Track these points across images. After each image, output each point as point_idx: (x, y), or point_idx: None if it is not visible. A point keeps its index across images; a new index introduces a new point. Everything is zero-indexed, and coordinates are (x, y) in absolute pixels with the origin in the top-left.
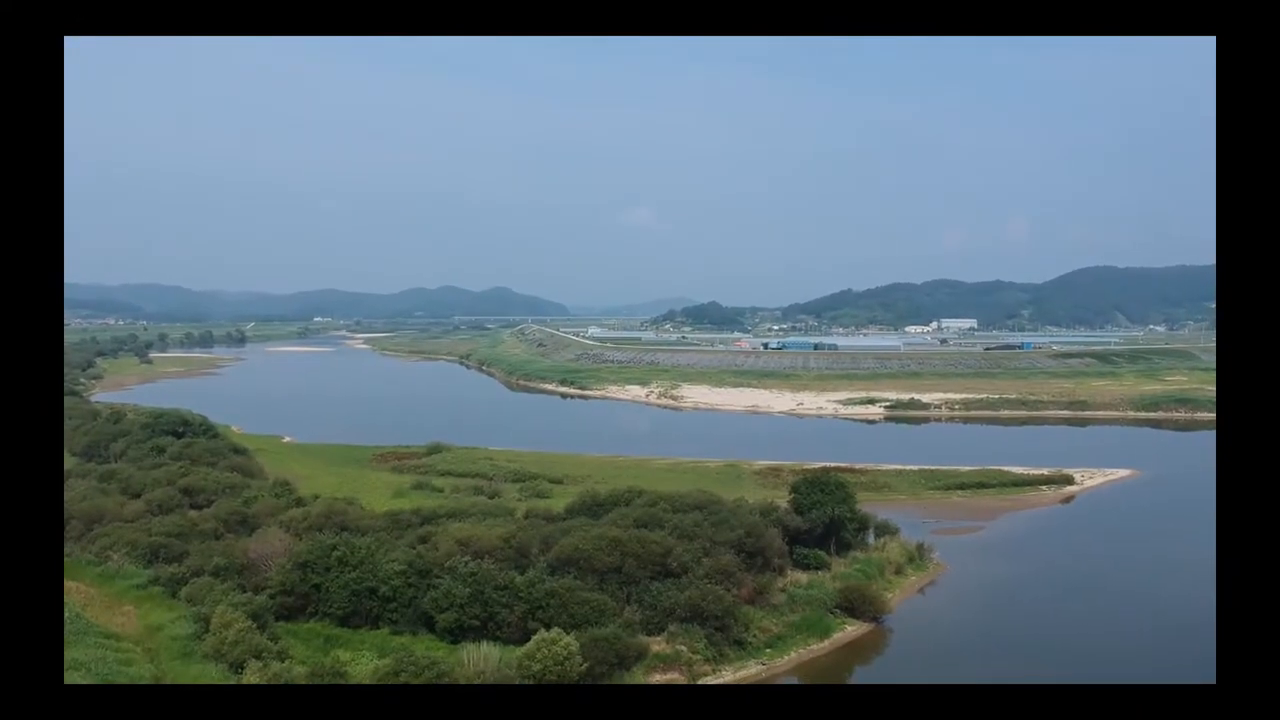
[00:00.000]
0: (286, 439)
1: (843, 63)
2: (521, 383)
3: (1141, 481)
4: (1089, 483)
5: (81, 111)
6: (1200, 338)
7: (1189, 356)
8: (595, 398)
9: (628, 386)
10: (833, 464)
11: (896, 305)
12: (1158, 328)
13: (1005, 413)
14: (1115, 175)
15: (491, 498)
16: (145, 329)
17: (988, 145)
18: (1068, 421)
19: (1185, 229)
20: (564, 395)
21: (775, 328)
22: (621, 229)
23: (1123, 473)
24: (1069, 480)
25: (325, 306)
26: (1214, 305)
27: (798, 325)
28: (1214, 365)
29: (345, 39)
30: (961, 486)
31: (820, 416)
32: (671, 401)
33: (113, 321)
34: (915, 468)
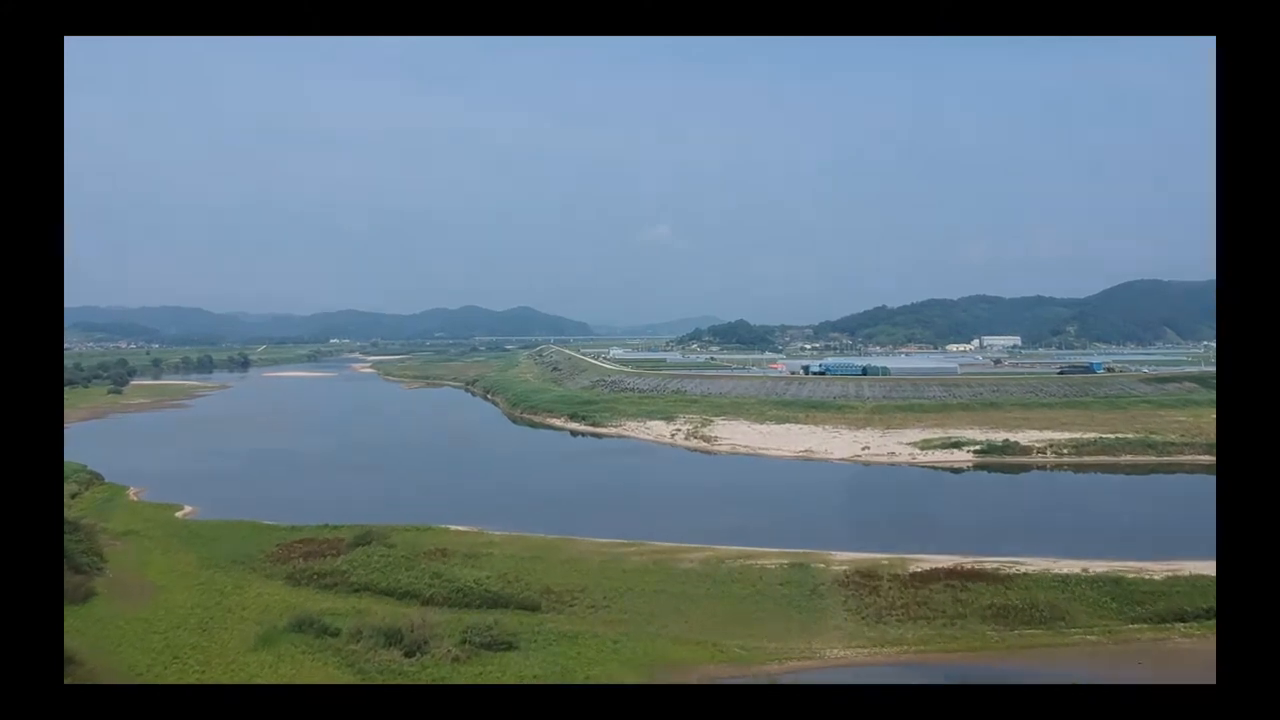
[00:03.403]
0: (183, 511)
1: (847, 68)
2: (526, 415)
3: None
4: None
5: (94, 124)
6: None
7: None
8: (610, 436)
9: (649, 422)
10: (952, 558)
11: (934, 322)
12: (1211, 343)
13: (1126, 458)
14: (1147, 185)
15: (411, 654)
16: (148, 353)
17: (1008, 153)
18: (1209, 469)
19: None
20: (573, 433)
21: (808, 347)
22: (641, 245)
23: None
24: None
25: (345, 327)
26: None
27: (831, 344)
28: None
29: (358, 52)
30: (1181, 618)
31: (894, 464)
32: (703, 443)
33: (125, 345)
34: (1078, 567)
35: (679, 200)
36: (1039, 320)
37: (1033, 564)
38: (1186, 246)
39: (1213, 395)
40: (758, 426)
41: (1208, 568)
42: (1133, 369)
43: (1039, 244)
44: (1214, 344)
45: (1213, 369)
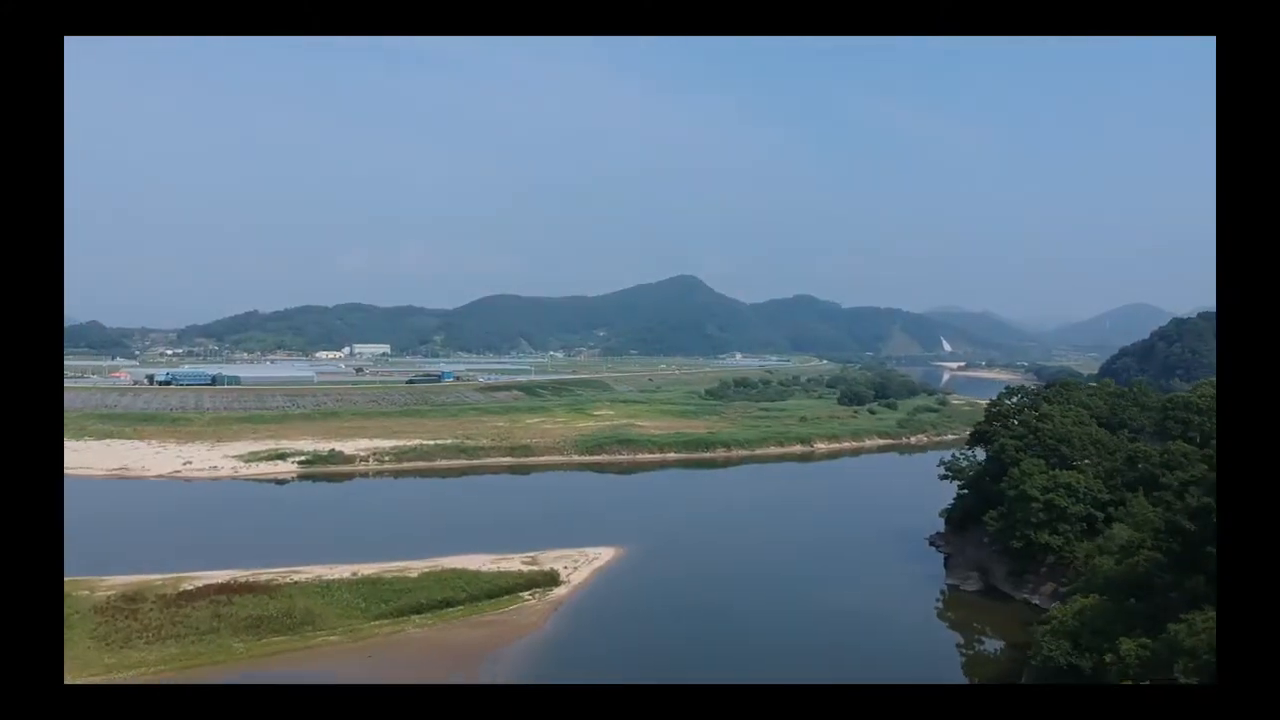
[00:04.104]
0: None
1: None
2: None
3: (630, 565)
4: (575, 577)
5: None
6: (596, 364)
7: (605, 387)
8: None
9: None
10: (231, 573)
11: (307, 329)
12: (557, 353)
13: (442, 462)
14: (515, 208)
15: None
16: None
17: (381, 164)
18: (511, 469)
19: (577, 266)
20: None
21: (170, 353)
22: None
23: (606, 554)
24: (553, 579)
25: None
26: (602, 333)
27: (195, 350)
28: (627, 397)
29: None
30: (418, 610)
31: (216, 479)
32: None
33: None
34: (347, 572)
35: None
36: (410, 329)
37: (308, 571)
38: (537, 265)
39: (534, 402)
40: (73, 443)
41: (463, 561)
42: (483, 378)
43: (409, 255)
44: (559, 353)
45: (544, 377)
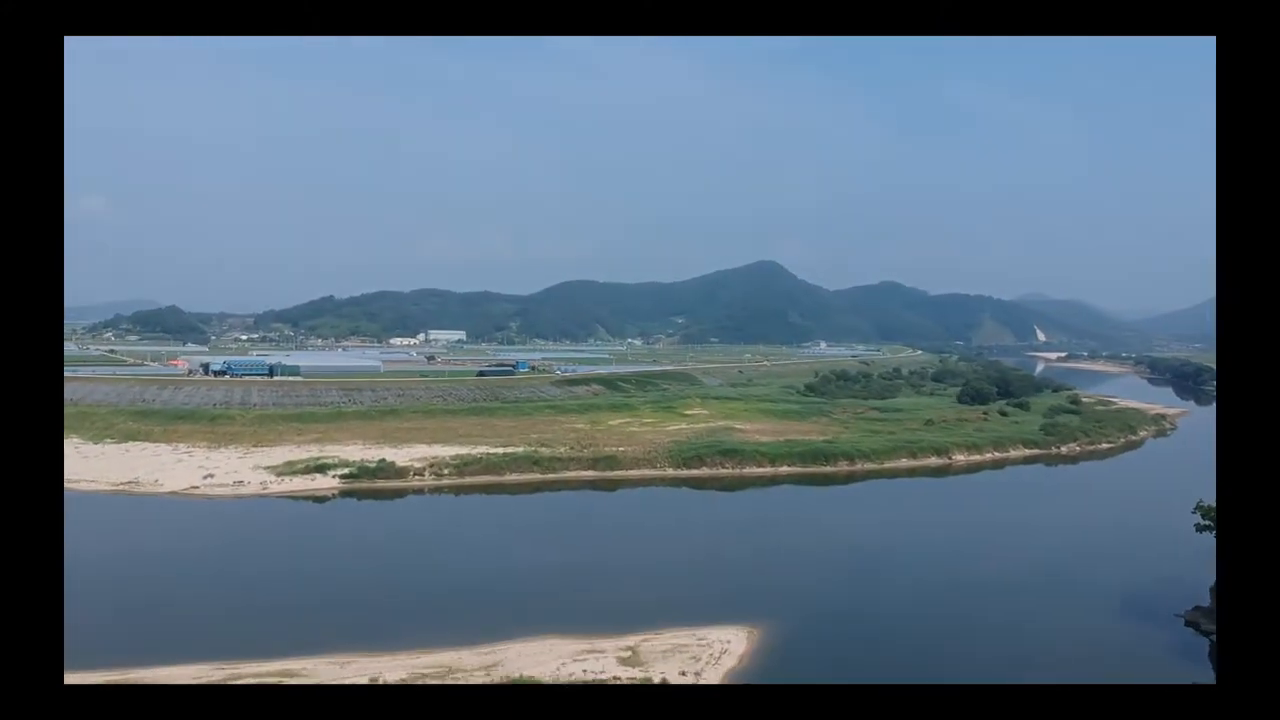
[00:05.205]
0: None
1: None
2: None
3: (775, 662)
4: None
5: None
6: (677, 353)
7: (692, 380)
8: None
9: None
10: (189, 677)
11: (382, 315)
12: (635, 341)
13: (512, 476)
14: (585, 192)
15: None
16: None
17: (459, 153)
18: (593, 484)
19: (654, 252)
20: None
21: (244, 338)
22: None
23: (736, 641)
24: None
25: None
26: (681, 320)
27: (270, 335)
28: (719, 392)
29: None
30: None
31: (238, 497)
32: None
33: None
34: (364, 674)
35: (111, 171)
36: (486, 315)
37: (309, 671)
38: (614, 251)
39: (617, 399)
40: (90, 447)
41: (534, 651)
42: (560, 368)
43: (487, 242)
44: (637, 340)
45: (625, 368)
